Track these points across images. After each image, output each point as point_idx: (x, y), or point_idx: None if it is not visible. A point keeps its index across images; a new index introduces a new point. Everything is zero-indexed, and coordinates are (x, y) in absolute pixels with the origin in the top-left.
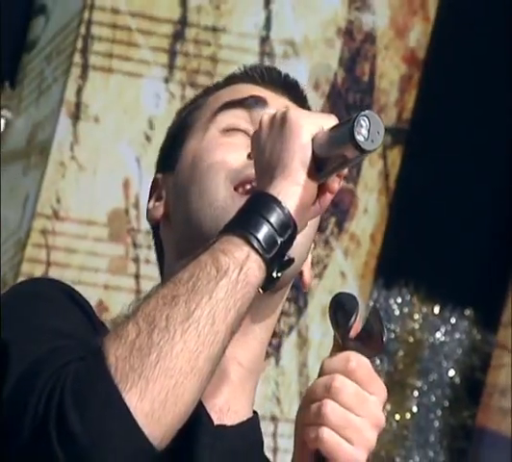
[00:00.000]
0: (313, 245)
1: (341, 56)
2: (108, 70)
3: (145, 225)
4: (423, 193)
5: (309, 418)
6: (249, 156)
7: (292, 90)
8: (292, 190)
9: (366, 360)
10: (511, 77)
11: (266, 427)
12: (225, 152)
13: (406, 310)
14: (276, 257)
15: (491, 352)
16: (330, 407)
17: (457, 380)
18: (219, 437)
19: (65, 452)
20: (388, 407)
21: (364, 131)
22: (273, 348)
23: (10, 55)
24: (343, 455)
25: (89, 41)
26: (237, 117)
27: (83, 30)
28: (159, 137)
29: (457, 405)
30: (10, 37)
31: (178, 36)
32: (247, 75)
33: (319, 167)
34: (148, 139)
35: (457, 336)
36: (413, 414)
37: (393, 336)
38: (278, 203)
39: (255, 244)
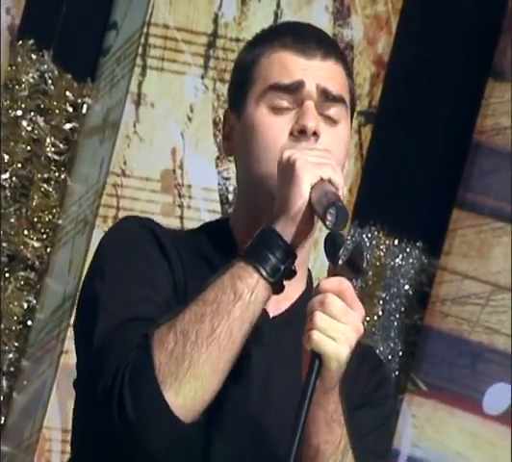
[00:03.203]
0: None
1: None
2: (160, 70)
3: (187, 181)
4: (387, 159)
5: (306, 327)
6: (291, 133)
7: (328, 55)
8: (292, 229)
9: (351, 285)
10: (453, 76)
11: None
12: (277, 132)
13: (374, 242)
14: (281, 278)
15: (435, 272)
16: (319, 316)
17: (410, 292)
18: (274, 326)
19: (119, 420)
20: None
21: (331, 218)
22: None
23: (90, 59)
24: (328, 349)
25: (147, 48)
26: (281, 99)
27: (143, 40)
28: (197, 118)
29: (410, 310)
30: (91, 45)
31: (211, 44)
32: (295, 47)
33: (313, 208)
34: (189, 119)
35: (411, 261)
36: (379, 316)
37: (365, 262)
38: (282, 239)
39: (263, 273)
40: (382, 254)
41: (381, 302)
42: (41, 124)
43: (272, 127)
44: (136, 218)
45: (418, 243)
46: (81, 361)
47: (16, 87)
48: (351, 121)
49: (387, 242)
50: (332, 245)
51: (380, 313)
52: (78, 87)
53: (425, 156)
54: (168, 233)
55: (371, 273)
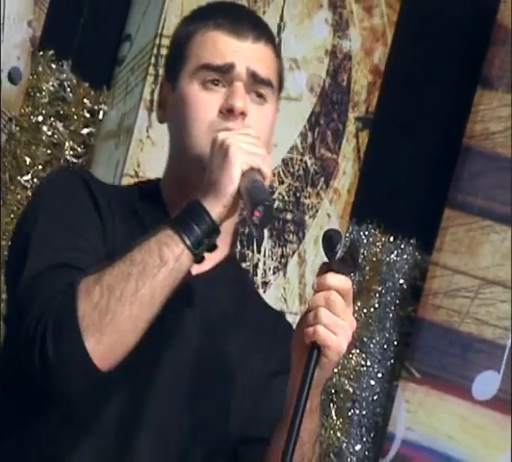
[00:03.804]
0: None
1: (328, 69)
2: None
3: None
4: (383, 161)
5: (309, 320)
6: (220, 111)
7: (260, 38)
8: (220, 209)
9: (351, 283)
10: (444, 84)
11: None
12: (206, 107)
13: (371, 239)
14: (203, 251)
15: (427, 268)
16: (324, 312)
17: (405, 286)
18: (196, 283)
19: (40, 362)
20: (358, 304)
21: (259, 215)
22: (282, 265)
23: (106, 68)
24: (331, 342)
25: (159, 59)
26: (212, 77)
27: (155, 51)
28: None
29: (405, 303)
30: (106, 56)
31: None
32: (229, 27)
33: (240, 195)
34: None
35: (405, 257)
36: (375, 309)
37: (362, 257)
38: (209, 216)
39: (188, 243)
40: (378, 250)
41: (377, 295)
42: (61, 129)
43: (203, 102)
44: (70, 170)
45: (411, 241)
46: (10, 300)
47: (37, 94)
48: (278, 101)
49: (383, 239)
50: (329, 242)
51: (376, 305)
52: (95, 94)
53: (419, 159)
54: (102, 186)
55: (367, 268)
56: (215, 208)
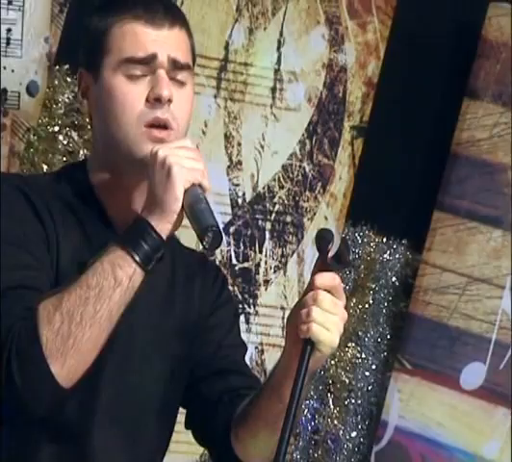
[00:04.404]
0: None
1: (324, 81)
2: None
3: None
4: (377, 167)
5: (302, 318)
6: (147, 100)
7: (175, 23)
8: (166, 226)
9: (340, 280)
10: (433, 95)
11: (277, 314)
12: (133, 98)
13: (365, 240)
14: (152, 265)
15: (418, 266)
16: (315, 310)
17: (397, 283)
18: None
19: (7, 387)
20: (354, 300)
21: (208, 240)
22: (282, 265)
23: None
24: (324, 338)
25: None
26: (136, 69)
27: None
28: (210, 132)
29: (397, 299)
30: None
31: (222, 68)
32: (145, 17)
33: (185, 213)
34: (204, 133)
35: (397, 256)
36: (369, 305)
37: (357, 256)
38: (156, 233)
39: (139, 262)
40: (372, 250)
41: (371, 292)
42: (75, 138)
43: (129, 93)
44: (5, 181)
45: (403, 241)
46: None
47: (54, 106)
48: (193, 78)
49: (376, 239)
50: (322, 241)
51: (371, 301)
52: None
53: (409, 164)
54: (36, 185)
55: (362, 267)
56: (161, 226)
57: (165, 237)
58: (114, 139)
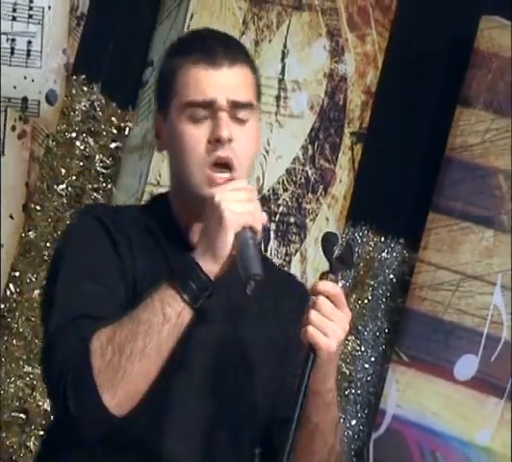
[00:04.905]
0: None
1: (326, 89)
2: None
3: None
4: (375, 171)
5: (302, 323)
6: (209, 141)
7: (235, 61)
8: (216, 269)
9: (342, 291)
10: (428, 103)
11: None
12: (196, 141)
13: (364, 239)
14: (201, 303)
15: (414, 264)
16: (313, 313)
17: (394, 280)
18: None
19: (63, 414)
20: (354, 296)
21: (249, 287)
22: (286, 263)
23: (131, 90)
24: (320, 342)
25: None
26: (198, 112)
27: None
28: None
29: (394, 295)
30: (131, 79)
31: None
32: (204, 61)
33: (235, 258)
34: None
35: (394, 254)
36: (369, 300)
37: (356, 255)
38: (206, 276)
39: (187, 300)
40: (371, 249)
41: (370, 289)
42: (92, 144)
43: (192, 135)
44: (87, 211)
45: (400, 240)
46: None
47: (71, 113)
48: (259, 112)
49: (375, 239)
50: (327, 243)
51: (370, 297)
52: (121, 113)
53: (406, 168)
54: (119, 217)
55: (361, 265)
56: (209, 267)
57: (213, 277)
58: (181, 178)
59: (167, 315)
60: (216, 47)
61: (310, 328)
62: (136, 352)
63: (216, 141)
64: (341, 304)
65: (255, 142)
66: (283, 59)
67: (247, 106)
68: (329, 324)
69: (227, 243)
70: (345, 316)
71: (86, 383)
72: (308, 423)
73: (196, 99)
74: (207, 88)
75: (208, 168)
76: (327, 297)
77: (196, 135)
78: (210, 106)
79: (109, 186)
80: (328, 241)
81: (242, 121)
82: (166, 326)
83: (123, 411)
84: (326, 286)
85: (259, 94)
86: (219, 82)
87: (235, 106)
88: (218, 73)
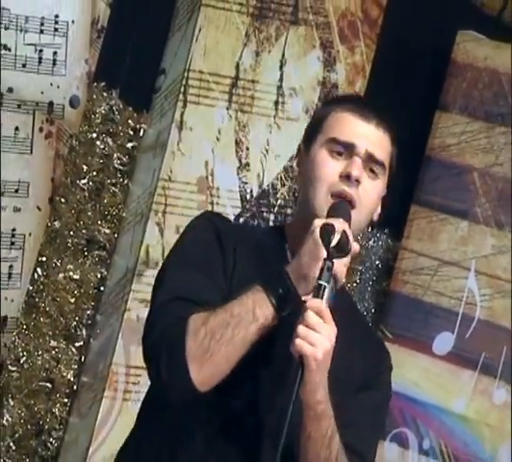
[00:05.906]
0: None
1: (319, 95)
2: (197, 103)
3: (216, 185)
4: None
5: (292, 336)
6: (340, 175)
7: (381, 125)
8: (306, 291)
9: (328, 308)
10: (410, 108)
11: None
12: (329, 171)
13: None
14: (286, 312)
15: (397, 252)
16: (300, 327)
17: (380, 266)
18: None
19: (156, 379)
20: (344, 280)
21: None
22: None
23: (146, 96)
24: (306, 350)
25: (187, 88)
26: (338, 149)
27: (184, 82)
28: (224, 139)
29: (380, 279)
30: (146, 86)
31: (234, 84)
32: (357, 112)
33: None
34: (218, 139)
35: (380, 243)
36: (357, 283)
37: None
38: (296, 293)
39: (276, 306)
40: (359, 238)
41: (358, 273)
42: (110, 144)
43: (327, 166)
44: (208, 215)
45: (385, 230)
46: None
47: (92, 116)
48: (388, 182)
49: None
50: (324, 233)
51: (358, 281)
52: (137, 116)
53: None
54: (231, 228)
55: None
56: (300, 288)
57: (298, 291)
58: (306, 201)
59: (257, 315)
60: (370, 107)
61: (297, 340)
62: (225, 338)
63: (346, 177)
64: (327, 320)
65: (377, 200)
66: (281, 68)
67: (381, 164)
68: (315, 335)
69: (317, 268)
70: (331, 329)
71: (178, 355)
72: (303, 433)
73: (339, 138)
74: (352, 132)
75: (331, 198)
76: (315, 313)
77: (331, 166)
78: (349, 148)
79: (125, 181)
80: (325, 231)
81: (374, 175)
82: (254, 324)
83: (205, 387)
84: (315, 303)
85: (391, 166)
86: (364, 133)
87: (370, 159)
88: (365, 126)
